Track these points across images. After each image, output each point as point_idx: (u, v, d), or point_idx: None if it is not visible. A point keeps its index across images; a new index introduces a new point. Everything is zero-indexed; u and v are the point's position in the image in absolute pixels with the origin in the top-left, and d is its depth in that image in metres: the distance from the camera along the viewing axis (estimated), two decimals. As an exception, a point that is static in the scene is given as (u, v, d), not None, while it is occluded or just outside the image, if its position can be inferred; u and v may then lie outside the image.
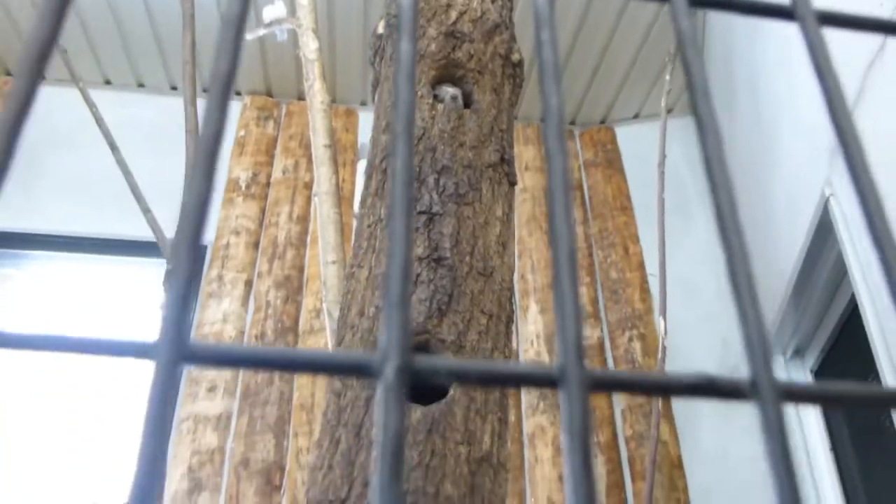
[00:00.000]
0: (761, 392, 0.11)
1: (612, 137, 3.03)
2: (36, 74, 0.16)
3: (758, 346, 0.12)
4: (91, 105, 1.25)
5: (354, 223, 2.52)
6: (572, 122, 3.08)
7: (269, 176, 2.78)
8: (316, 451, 0.76)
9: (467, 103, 0.97)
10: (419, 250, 0.82)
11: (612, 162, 2.95)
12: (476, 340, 0.79)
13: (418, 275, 0.80)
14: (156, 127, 2.74)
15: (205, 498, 2.17)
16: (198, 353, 0.13)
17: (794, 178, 1.90)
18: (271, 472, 2.24)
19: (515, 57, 1.07)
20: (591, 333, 2.58)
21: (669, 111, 3.00)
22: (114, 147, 1.12)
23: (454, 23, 1.01)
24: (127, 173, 1.16)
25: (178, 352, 0.12)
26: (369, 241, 0.85)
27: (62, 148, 2.67)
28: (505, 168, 0.94)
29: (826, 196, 1.61)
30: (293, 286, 2.55)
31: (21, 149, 0.16)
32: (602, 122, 3.07)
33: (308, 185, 2.76)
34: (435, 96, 0.96)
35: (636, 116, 3.06)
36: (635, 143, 2.96)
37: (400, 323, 0.13)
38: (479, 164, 0.91)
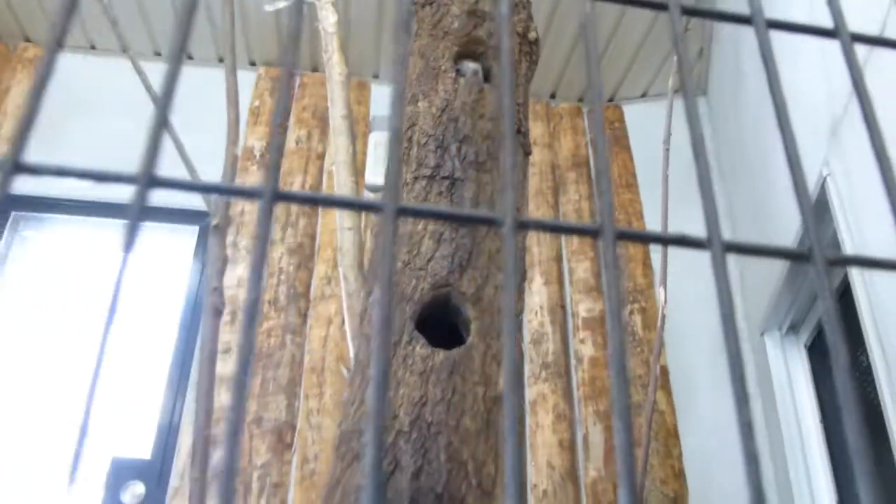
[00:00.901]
0: (713, 244, 0.19)
1: (620, 115, 3.09)
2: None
3: (711, 214, 0.20)
4: (140, 72, 1.33)
5: (366, 193, 2.59)
6: (580, 100, 3.15)
7: (282, 146, 2.85)
8: (348, 388, 0.85)
9: (487, 78, 1.05)
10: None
11: (618, 140, 3.02)
12: (492, 294, 0.87)
13: (442, 233, 0.88)
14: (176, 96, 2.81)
15: (220, 453, 2.28)
16: (408, 209, 0.21)
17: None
18: (283, 431, 2.34)
19: (532, 35, 1.14)
20: (593, 306, 2.67)
21: (676, 91, 3.05)
22: (165, 118, 1.20)
23: (476, 2, 1.08)
24: (176, 140, 1.24)
25: (398, 207, 0.20)
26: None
27: (83, 114, 2.74)
28: (520, 139, 1.02)
29: (823, 176, 1.69)
30: (305, 253, 2.64)
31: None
32: (610, 100, 3.14)
33: (320, 156, 2.84)
34: (457, 71, 1.03)
35: (644, 95, 3.12)
36: (642, 121, 3.03)
37: (513, 196, 0.21)
38: (497, 135, 0.99)
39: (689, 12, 0.24)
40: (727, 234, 2.72)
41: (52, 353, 2.43)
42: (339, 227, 1.77)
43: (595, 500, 2.38)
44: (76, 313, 2.50)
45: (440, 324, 0.85)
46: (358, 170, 2.74)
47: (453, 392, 0.79)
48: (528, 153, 1.03)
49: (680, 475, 2.41)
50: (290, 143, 2.86)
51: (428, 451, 0.75)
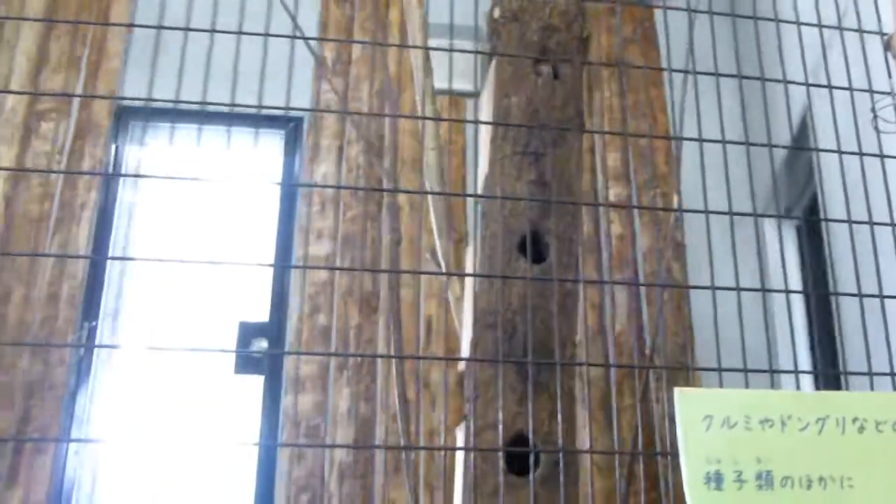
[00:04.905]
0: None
1: (651, 15, 3.51)
2: None
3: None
4: None
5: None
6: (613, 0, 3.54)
7: (349, 54, 3.34)
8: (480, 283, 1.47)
9: (556, 76, 1.59)
10: (532, 176, 1.49)
11: (648, 39, 3.45)
12: (563, 229, 1.47)
13: (533, 192, 1.47)
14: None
15: (322, 318, 2.98)
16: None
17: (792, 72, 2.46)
18: (370, 299, 3.03)
19: (585, 35, 1.66)
20: (621, 191, 3.24)
21: (703, -8, 3.44)
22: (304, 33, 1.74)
23: (549, 17, 1.60)
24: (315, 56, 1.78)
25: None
26: (501, 171, 1.52)
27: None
28: (578, 119, 1.58)
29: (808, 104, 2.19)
30: (375, 151, 3.21)
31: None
32: (641, 0, 3.54)
33: (385, 64, 3.32)
34: (536, 72, 1.57)
35: (673, -6, 3.51)
36: (672, 21, 3.43)
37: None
38: (564, 120, 1.55)
39: None
40: (739, 128, 3.23)
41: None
42: (424, 147, 2.34)
43: (619, 349, 3.08)
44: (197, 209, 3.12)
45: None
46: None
47: (542, 289, 1.41)
48: (583, 130, 1.59)
49: (689, 328, 3.09)
50: (357, 52, 3.34)
51: (532, 322, 1.38)
